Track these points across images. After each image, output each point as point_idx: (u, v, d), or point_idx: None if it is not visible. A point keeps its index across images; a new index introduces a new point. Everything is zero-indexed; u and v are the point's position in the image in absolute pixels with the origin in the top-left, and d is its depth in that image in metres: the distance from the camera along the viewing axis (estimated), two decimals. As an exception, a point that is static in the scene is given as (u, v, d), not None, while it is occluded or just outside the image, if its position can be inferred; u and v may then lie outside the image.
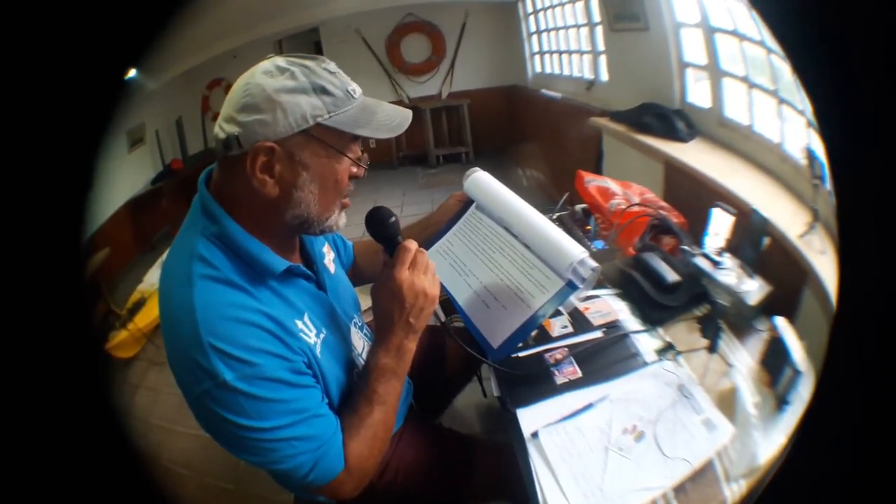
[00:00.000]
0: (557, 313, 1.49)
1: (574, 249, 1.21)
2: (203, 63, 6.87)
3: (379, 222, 1.18)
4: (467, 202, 1.46)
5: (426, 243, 1.43)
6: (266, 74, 0.98)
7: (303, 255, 1.23)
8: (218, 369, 0.90)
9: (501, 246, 1.34)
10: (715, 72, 2.63)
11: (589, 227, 1.90)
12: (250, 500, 2.17)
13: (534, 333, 1.43)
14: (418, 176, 7.68)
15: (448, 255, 1.41)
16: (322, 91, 0.98)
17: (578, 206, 2.08)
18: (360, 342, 1.24)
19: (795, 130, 1.97)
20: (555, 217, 2.04)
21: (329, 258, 1.34)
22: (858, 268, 0.77)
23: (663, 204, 1.91)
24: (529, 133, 6.00)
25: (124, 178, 6.50)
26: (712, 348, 1.26)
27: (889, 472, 0.70)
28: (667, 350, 1.31)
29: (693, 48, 2.79)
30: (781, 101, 2.07)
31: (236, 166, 0.98)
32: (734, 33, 2.37)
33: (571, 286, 1.20)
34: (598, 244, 1.79)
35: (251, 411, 0.93)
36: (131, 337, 3.94)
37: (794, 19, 0.76)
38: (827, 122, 0.80)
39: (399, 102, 7.18)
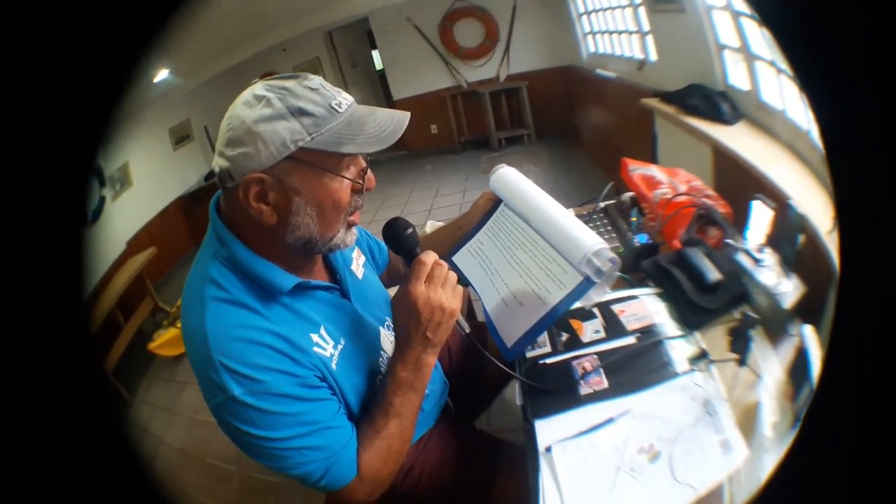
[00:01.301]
0: (590, 316, 1.46)
1: (588, 241, 1.16)
2: (252, 57, 7.04)
3: (395, 235, 1.19)
4: (497, 200, 1.44)
5: (459, 244, 1.45)
6: (245, 105, 0.99)
7: (326, 266, 1.26)
8: (228, 385, 0.96)
9: (524, 242, 1.32)
10: (747, 55, 2.57)
11: (634, 219, 1.84)
12: (294, 492, 2.27)
13: (564, 338, 1.42)
14: (481, 160, 7.69)
15: (478, 255, 1.40)
16: (300, 113, 0.98)
17: (626, 195, 2.02)
18: (391, 346, 1.24)
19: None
20: (601, 207, 2.00)
21: (359, 262, 1.37)
22: (858, 268, 0.71)
23: (710, 192, 1.83)
24: (588, 114, 5.92)
25: (173, 176, 6.72)
26: (741, 362, 1.20)
27: (887, 485, 0.65)
28: (700, 358, 1.26)
29: (726, 31, 2.74)
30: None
31: (235, 196, 1.01)
32: (753, 17, 2.31)
33: (589, 280, 1.16)
34: (642, 238, 1.73)
35: (261, 423, 0.98)
36: (181, 334, 4.01)
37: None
38: (821, 109, 0.75)
39: (458, 87, 7.26)
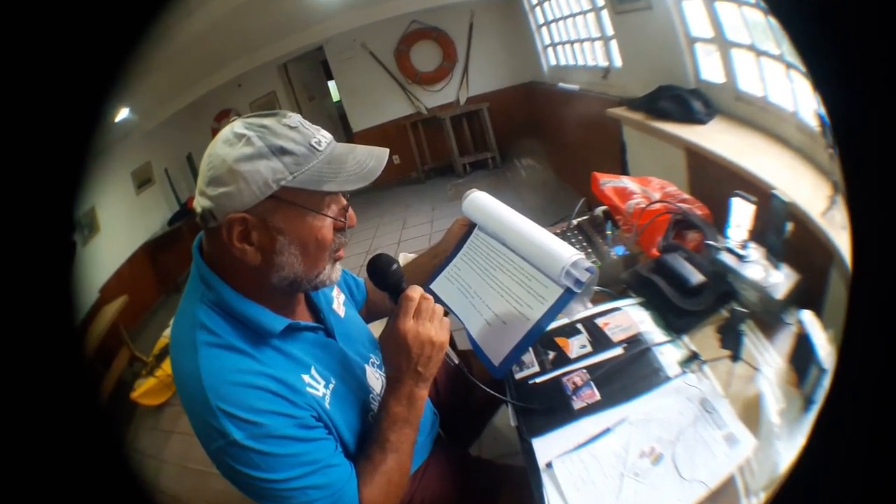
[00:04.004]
0: (575, 332, 1.49)
1: (564, 252, 1.22)
2: (206, 95, 7.03)
3: (380, 272, 1.22)
4: (471, 225, 1.48)
5: (436, 272, 1.48)
6: (225, 144, 1.02)
7: (309, 305, 1.27)
8: (228, 430, 0.98)
9: (502, 263, 1.36)
10: (722, 43, 2.60)
11: (609, 232, 1.88)
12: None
13: (551, 356, 1.44)
14: (447, 188, 7.73)
15: (456, 281, 1.43)
16: (281, 152, 1.01)
17: (599, 209, 2.05)
18: (377, 383, 1.30)
19: (805, 95, 1.94)
20: (575, 223, 2.03)
21: (339, 301, 1.38)
22: (872, 240, 0.75)
23: (685, 196, 1.87)
24: (553, 130, 5.97)
25: (137, 221, 6.66)
26: (735, 357, 1.23)
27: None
28: (691, 360, 1.29)
29: (698, 21, 2.77)
30: (788, 65, 2.05)
31: (218, 237, 1.03)
32: (759, 6, 2.33)
33: (569, 292, 1.21)
34: (619, 250, 1.76)
35: (263, 465, 1.00)
36: (160, 383, 4.07)
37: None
38: (822, 80, 0.78)
39: (418, 114, 7.29)
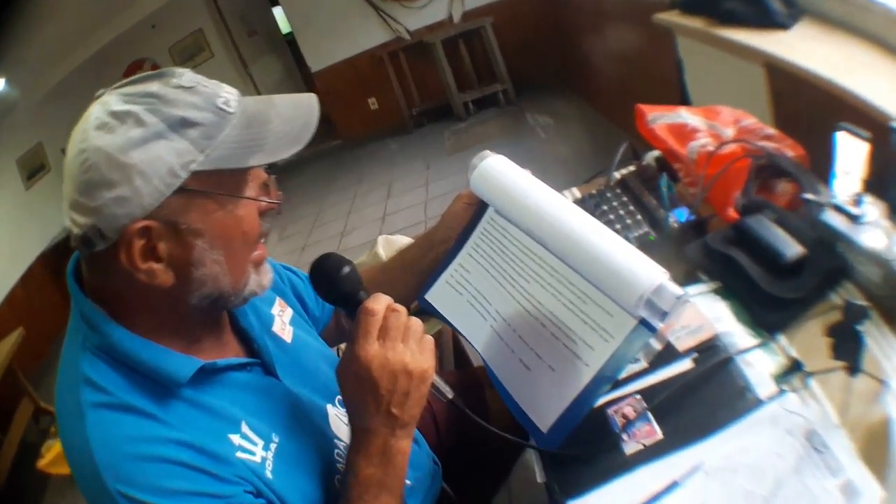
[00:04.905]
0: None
1: (644, 272, 1.13)
2: (110, 45, 7.10)
3: (326, 279, 1.20)
4: (481, 205, 1.44)
5: (433, 274, 1.47)
6: (100, 130, 0.99)
7: (237, 333, 1.28)
8: None
9: (536, 271, 1.29)
10: None
11: (665, 189, 1.83)
12: None
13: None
14: (444, 137, 7.75)
15: (464, 289, 1.40)
16: (183, 124, 0.98)
17: (649, 156, 2.02)
18: (345, 429, 1.26)
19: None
20: (616, 179, 1.99)
21: (284, 320, 1.40)
22: None
23: (769, 132, 1.82)
24: (583, 47, 5.94)
25: (30, 225, 6.69)
26: (854, 369, 1.17)
27: None
28: (791, 373, 1.23)
29: None
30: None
31: (110, 262, 1.00)
32: None
33: (648, 326, 1.14)
34: (681, 213, 1.72)
35: None
36: None
37: None
38: None
39: (397, 41, 7.36)
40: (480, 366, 1.42)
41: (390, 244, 2.70)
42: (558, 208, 1.28)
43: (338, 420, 1.29)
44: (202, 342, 1.14)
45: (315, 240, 6.80)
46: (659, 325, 1.13)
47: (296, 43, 8.75)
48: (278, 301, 1.41)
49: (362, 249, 2.78)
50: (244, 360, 1.19)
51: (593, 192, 1.99)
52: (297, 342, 1.36)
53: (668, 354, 1.36)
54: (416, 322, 1.13)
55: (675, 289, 1.12)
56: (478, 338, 1.34)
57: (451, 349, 2.32)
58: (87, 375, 1.02)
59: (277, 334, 1.33)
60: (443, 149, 7.44)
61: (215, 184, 1.01)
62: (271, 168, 1.13)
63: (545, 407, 1.21)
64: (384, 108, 8.40)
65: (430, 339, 1.15)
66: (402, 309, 1.13)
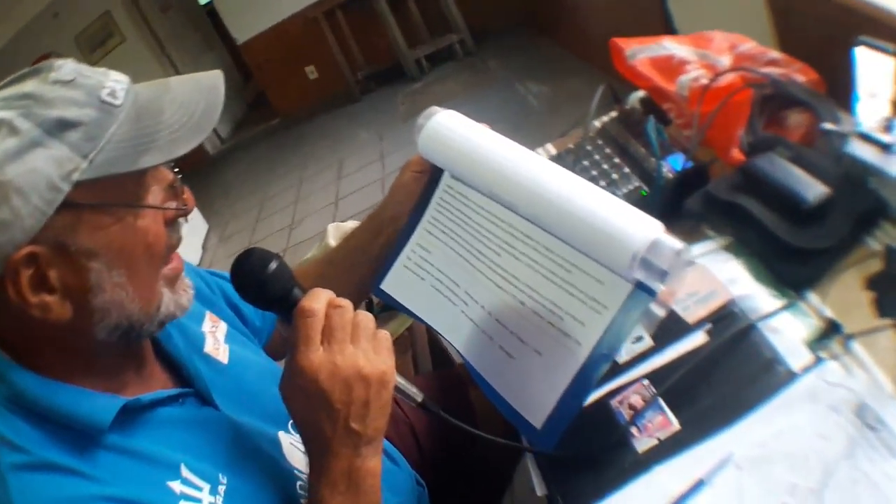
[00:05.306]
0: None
1: (635, 227, 1.08)
2: (12, 40, 7.07)
3: (250, 281, 1.13)
4: (434, 172, 1.42)
5: (387, 259, 1.45)
6: None
7: (163, 360, 1.24)
8: None
9: (507, 240, 1.26)
10: None
11: (654, 134, 1.79)
12: None
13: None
14: (398, 101, 7.78)
15: (425, 272, 1.38)
16: (61, 126, 0.93)
17: (633, 97, 2.00)
18: (302, 458, 1.22)
19: None
20: (596, 128, 1.96)
21: (217, 337, 1.36)
22: None
23: (773, 55, 1.80)
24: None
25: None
26: (902, 328, 1.15)
27: None
28: (828, 337, 1.19)
29: None
30: None
31: (1, 299, 0.96)
32: None
33: (646, 290, 1.09)
34: (676, 161, 1.68)
35: None
36: None
37: None
38: None
39: None
40: (462, 363, 1.38)
41: (342, 232, 2.67)
42: (526, 164, 1.23)
43: (292, 448, 1.26)
44: (123, 376, 1.11)
45: (260, 237, 6.85)
46: (659, 287, 1.08)
47: (216, 12, 8.76)
48: (208, 316, 1.38)
49: (315, 242, 2.75)
50: (173, 391, 1.15)
51: (571, 146, 1.97)
52: (235, 362, 1.33)
53: (677, 328, 1.35)
54: (365, 317, 1.09)
55: (674, 242, 1.06)
56: (449, 327, 1.31)
57: (427, 347, 2.32)
58: (1, 433, 0.97)
59: (211, 355, 1.29)
60: (397, 115, 7.49)
61: (107, 193, 0.97)
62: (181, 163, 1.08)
63: (536, 399, 1.17)
64: (325, 76, 8.44)
65: (385, 336, 1.10)
66: (346, 304, 1.08)
